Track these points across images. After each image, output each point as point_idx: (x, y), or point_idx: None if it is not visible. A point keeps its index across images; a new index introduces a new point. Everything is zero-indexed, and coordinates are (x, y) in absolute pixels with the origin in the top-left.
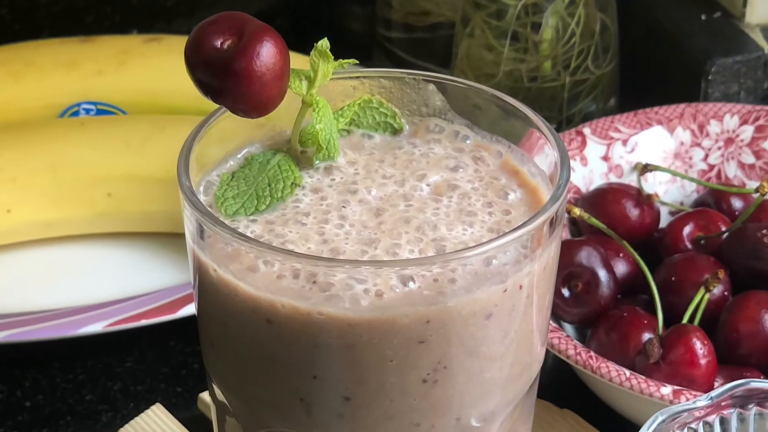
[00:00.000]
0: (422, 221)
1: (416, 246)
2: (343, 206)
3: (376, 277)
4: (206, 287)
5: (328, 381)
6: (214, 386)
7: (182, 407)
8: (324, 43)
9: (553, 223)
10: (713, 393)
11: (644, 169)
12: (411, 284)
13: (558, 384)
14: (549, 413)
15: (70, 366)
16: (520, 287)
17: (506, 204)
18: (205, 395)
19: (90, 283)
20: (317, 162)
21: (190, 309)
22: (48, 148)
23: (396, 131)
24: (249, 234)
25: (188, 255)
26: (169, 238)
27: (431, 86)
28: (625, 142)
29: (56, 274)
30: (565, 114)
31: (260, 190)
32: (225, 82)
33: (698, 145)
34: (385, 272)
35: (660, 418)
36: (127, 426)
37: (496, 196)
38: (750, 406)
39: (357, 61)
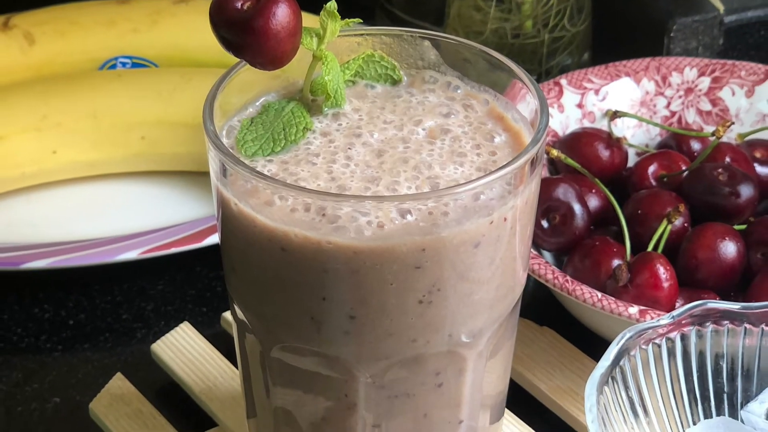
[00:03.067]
0: (419, 161)
1: (413, 183)
2: (349, 148)
3: (378, 210)
4: (228, 219)
5: (335, 302)
6: (235, 307)
7: (207, 325)
8: (332, 5)
9: (533, 162)
10: (675, 312)
11: (614, 115)
12: (408, 217)
13: (538, 305)
14: (530, 330)
15: (109, 289)
16: (505, 219)
17: (492, 146)
18: (227, 314)
19: (126, 216)
20: (326, 109)
21: (214, 239)
22: (89, 97)
23: (395, 82)
24: (266, 172)
25: (212, 191)
26: (196, 176)
27: (426, 42)
28: (597, 92)
29: (96, 207)
30: (545, 67)
31: (276, 134)
32: (245, 38)
33: (662, 94)
34: (385, 206)
35: (628, 335)
36: (158, 342)
37: (483, 139)
38: (707, 324)
39: (361, 21)
